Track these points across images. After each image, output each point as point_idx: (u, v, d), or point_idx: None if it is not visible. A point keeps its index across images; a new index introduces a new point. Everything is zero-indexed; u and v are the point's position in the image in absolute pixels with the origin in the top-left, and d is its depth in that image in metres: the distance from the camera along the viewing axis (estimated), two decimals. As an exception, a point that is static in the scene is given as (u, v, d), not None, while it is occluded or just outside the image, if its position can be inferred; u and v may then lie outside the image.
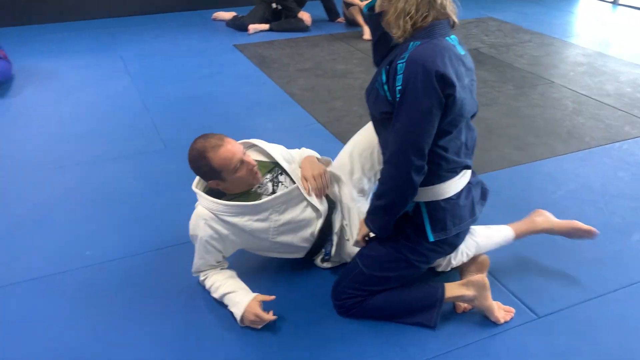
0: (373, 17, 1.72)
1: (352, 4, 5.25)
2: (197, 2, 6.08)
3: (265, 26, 5.28)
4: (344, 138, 3.13)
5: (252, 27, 5.20)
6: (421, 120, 1.54)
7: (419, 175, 1.61)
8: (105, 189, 2.68)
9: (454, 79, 1.54)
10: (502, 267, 2.12)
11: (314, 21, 5.47)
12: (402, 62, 1.55)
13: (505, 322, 1.87)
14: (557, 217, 2.43)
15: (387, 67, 1.61)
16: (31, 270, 2.12)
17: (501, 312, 1.89)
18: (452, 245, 1.83)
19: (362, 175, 2.08)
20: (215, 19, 5.68)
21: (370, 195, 2.18)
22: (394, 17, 1.59)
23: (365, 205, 2.11)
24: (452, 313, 1.91)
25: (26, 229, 2.37)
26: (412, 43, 1.58)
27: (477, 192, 1.84)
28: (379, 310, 1.85)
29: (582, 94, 3.82)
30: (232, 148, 1.86)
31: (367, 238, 1.87)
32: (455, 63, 1.58)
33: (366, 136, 2.09)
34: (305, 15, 5.31)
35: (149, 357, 1.74)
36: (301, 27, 5.28)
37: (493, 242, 2.07)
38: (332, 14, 5.69)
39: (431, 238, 1.74)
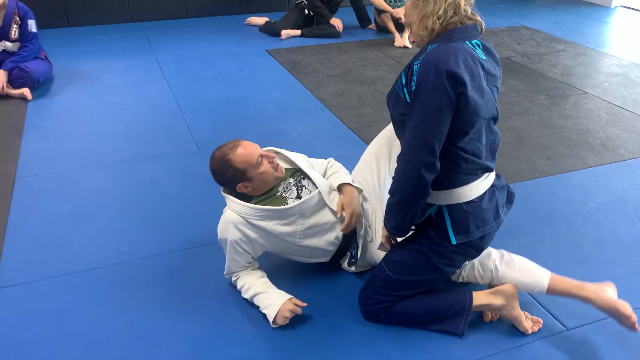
0: None
1: (383, 11, 5.27)
2: (231, 7, 6.17)
3: (297, 32, 5.34)
4: (373, 144, 3.16)
5: (285, 33, 5.26)
6: (431, 118, 1.56)
7: (429, 172, 1.61)
8: (141, 187, 2.75)
9: (466, 78, 1.55)
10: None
11: (345, 27, 5.51)
12: (417, 63, 1.59)
13: (533, 333, 1.87)
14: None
15: (407, 69, 1.65)
16: (70, 264, 2.19)
17: (529, 322, 1.89)
18: (477, 248, 1.82)
19: (387, 173, 2.11)
20: (248, 24, 5.76)
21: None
22: (422, 18, 1.64)
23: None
24: (479, 321, 1.91)
25: (66, 224, 2.46)
26: (430, 46, 1.63)
27: (502, 195, 1.83)
28: (406, 317, 1.87)
29: (616, 105, 3.77)
30: (249, 146, 1.94)
31: (392, 242, 1.89)
32: (471, 64, 1.59)
33: (383, 135, 2.15)
34: (337, 22, 5.35)
35: (180, 352, 1.79)
36: (333, 34, 5.32)
37: (518, 279, 1.90)
38: (363, 20, 5.72)
39: (454, 241, 1.73)
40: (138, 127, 3.42)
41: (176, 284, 2.10)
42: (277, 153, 2.13)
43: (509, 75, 4.33)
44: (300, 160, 2.10)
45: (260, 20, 5.69)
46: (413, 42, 1.75)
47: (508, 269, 1.91)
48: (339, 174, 2.14)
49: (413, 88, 1.59)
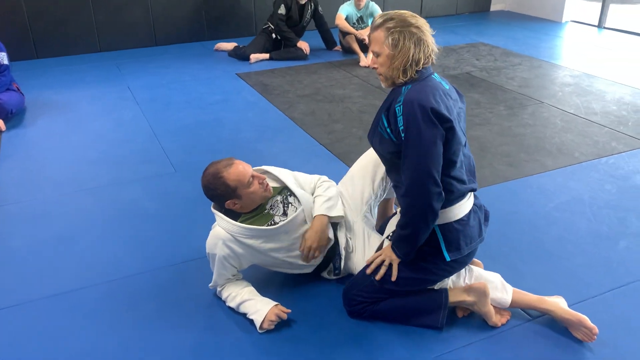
0: None
1: (348, 33, 5.48)
2: (198, 34, 6.31)
3: (266, 55, 5.50)
4: (345, 158, 3.32)
5: (254, 57, 5.42)
6: (429, 151, 1.71)
7: (438, 202, 1.76)
8: (122, 209, 2.83)
9: (447, 114, 1.73)
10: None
11: (312, 50, 5.70)
12: (399, 105, 1.75)
13: (503, 325, 2.01)
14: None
15: (386, 112, 1.81)
16: (58, 286, 2.25)
17: (498, 316, 2.03)
18: (463, 263, 1.97)
19: (371, 192, 2.23)
20: (217, 50, 5.90)
21: (375, 209, 2.35)
22: (403, 65, 1.76)
23: (370, 219, 2.28)
24: (453, 316, 2.04)
25: (51, 248, 2.51)
26: (404, 87, 1.79)
27: (481, 213, 2.01)
28: (389, 313, 2.00)
29: (570, 113, 4.01)
30: (242, 166, 2.03)
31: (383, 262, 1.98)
32: (445, 98, 1.77)
33: (371, 154, 2.26)
34: (304, 45, 5.54)
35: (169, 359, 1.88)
36: (300, 56, 5.50)
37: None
38: (329, 43, 5.92)
39: (448, 258, 1.88)
40: (115, 152, 3.50)
41: (164, 298, 2.18)
42: (266, 172, 2.23)
43: (469, 89, 4.56)
44: (288, 178, 2.20)
45: (228, 45, 5.84)
46: (387, 86, 1.87)
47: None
48: (319, 199, 2.16)
49: (401, 128, 1.73)
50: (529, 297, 2.02)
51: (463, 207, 1.90)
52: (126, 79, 4.99)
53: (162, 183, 3.10)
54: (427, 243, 1.90)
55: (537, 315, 2.04)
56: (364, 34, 5.35)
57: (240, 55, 5.54)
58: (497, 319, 2.01)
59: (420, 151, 1.72)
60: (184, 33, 6.24)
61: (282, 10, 5.38)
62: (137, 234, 2.61)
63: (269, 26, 5.57)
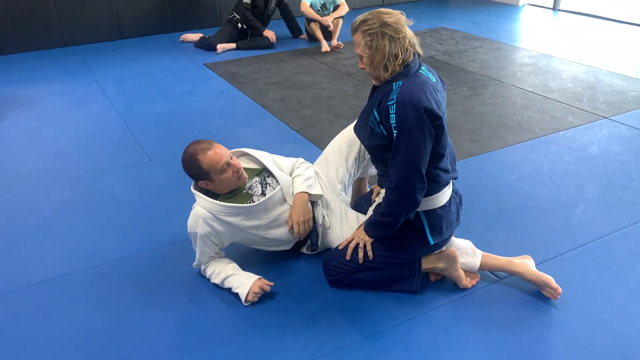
0: None
1: (313, 20, 5.55)
2: (163, 26, 6.29)
3: (233, 45, 5.54)
4: (317, 142, 3.42)
5: (221, 47, 5.45)
6: (418, 150, 1.84)
7: (421, 195, 1.91)
8: (100, 199, 2.86)
9: (439, 111, 1.84)
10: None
11: (278, 38, 5.76)
12: (391, 103, 1.84)
13: (472, 287, 2.15)
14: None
15: (377, 107, 1.91)
16: (42, 273, 2.30)
17: (468, 279, 2.17)
18: (440, 246, 2.10)
19: (345, 171, 2.34)
20: (183, 41, 5.90)
21: (349, 187, 2.46)
22: (383, 62, 1.86)
23: (345, 196, 2.39)
24: (426, 281, 2.17)
25: (31, 239, 2.54)
26: (394, 83, 1.88)
27: (458, 199, 2.14)
28: (368, 281, 2.12)
29: (529, 91, 4.20)
30: (220, 151, 2.09)
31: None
32: (434, 94, 1.88)
33: (344, 135, 2.37)
34: (270, 33, 5.59)
35: (164, 336, 1.95)
36: (267, 45, 5.56)
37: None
38: (294, 31, 5.99)
39: (432, 242, 2.02)
40: (88, 144, 3.51)
41: (148, 280, 2.24)
42: (245, 154, 2.31)
43: (433, 71, 4.69)
44: (267, 159, 2.28)
45: (194, 36, 5.85)
46: (377, 83, 1.97)
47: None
48: (299, 179, 2.25)
49: (393, 125, 1.83)
50: (498, 260, 2.16)
51: (445, 194, 2.03)
52: (93, 72, 4.96)
53: (138, 172, 3.14)
54: (412, 228, 2.03)
55: (505, 277, 2.19)
56: (328, 20, 5.43)
57: (207, 45, 5.56)
58: (467, 282, 2.15)
59: (411, 150, 1.83)
60: (148, 25, 6.21)
61: (247, -1, 5.43)
62: (116, 222, 2.66)
63: (235, 16, 5.60)
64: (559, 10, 7.06)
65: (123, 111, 4.04)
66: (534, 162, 3.11)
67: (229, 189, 2.16)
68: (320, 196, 2.27)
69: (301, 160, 2.38)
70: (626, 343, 1.86)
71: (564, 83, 4.34)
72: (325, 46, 5.41)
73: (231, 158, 2.11)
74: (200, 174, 2.09)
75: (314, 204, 2.29)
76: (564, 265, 2.25)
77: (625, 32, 5.92)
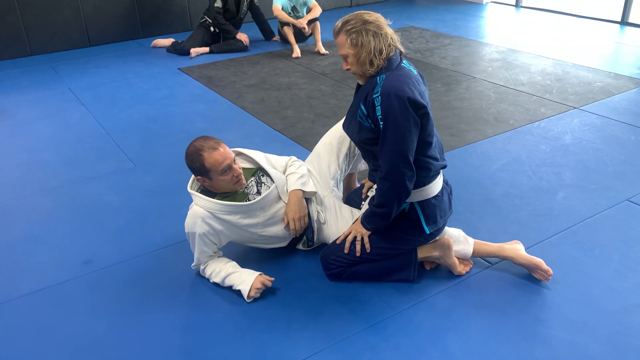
0: None
1: (286, 23, 5.57)
2: (133, 32, 6.22)
3: (206, 49, 5.52)
4: (301, 141, 3.46)
5: (194, 51, 5.43)
6: (405, 139, 1.90)
7: (411, 183, 1.97)
8: (87, 206, 2.83)
9: (422, 100, 1.91)
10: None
11: (251, 41, 5.78)
12: (377, 96, 1.91)
13: (467, 273, 2.23)
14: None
15: (364, 101, 1.97)
16: (37, 282, 2.26)
17: (462, 266, 2.24)
18: (435, 235, 2.17)
19: (337, 167, 2.39)
20: (154, 47, 5.85)
21: (340, 183, 2.51)
22: (369, 58, 1.94)
23: (338, 192, 2.44)
24: (421, 270, 2.24)
25: (22, 249, 2.50)
26: (378, 77, 1.96)
27: (449, 188, 2.22)
28: (366, 273, 2.16)
29: (501, 85, 4.33)
30: (225, 153, 2.11)
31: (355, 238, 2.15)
32: (417, 85, 1.95)
33: (334, 132, 2.41)
34: (243, 36, 5.60)
35: (167, 339, 1.95)
36: (240, 47, 5.57)
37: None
38: (267, 33, 6.01)
39: (427, 231, 2.09)
40: (69, 152, 3.46)
41: (147, 284, 2.24)
42: (241, 154, 2.33)
43: (407, 69, 4.78)
44: (261, 158, 2.31)
45: (166, 41, 5.80)
46: (363, 82, 2.03)
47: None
48: (292, 177, 2.29)
49: (379, 117, 1.90)
50: (490, 247, 2.24)
51: (437, 184, 2.10)
52: (65, 80, 4.88)
53: (123, 178, 3.12)
54: (408, 219, 2.09)
55: (496, 262, 2.27)
56: (303, 22, 5.46)
57: (180, 50, 5.53)
58: (461, 269, 2.22)
59: (397, 139, 1.89)
60: (118, 32, 6.13)
61: (218, 3, 5.42)
62: (106, 228, 2.64)
63: (206, 20, 5.59)
64: (521, 7, 7.29)
65: (101, 118, 3.99)
66: (512, 153, 3.22)
67: (225, 190, 2.18)
68: (314, 193, 2.31)
69: (294, 158, 2.41)
70: (616, 318, 1.96)
71: (534, 76, 4.50)
72: (296, 52, 5.38)
73: (234, 162, 2.13)
74: (201, 170, 2.10)
75: (308, 200, 2.33)
76: (550, 249, 2.35)
77: (585, 26, 6.16)
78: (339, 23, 1.98)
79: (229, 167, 2.10)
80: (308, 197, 2.32)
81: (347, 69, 2.04)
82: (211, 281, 2.18)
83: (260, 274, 2.12)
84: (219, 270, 2.15)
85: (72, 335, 1.98)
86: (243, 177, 2.18)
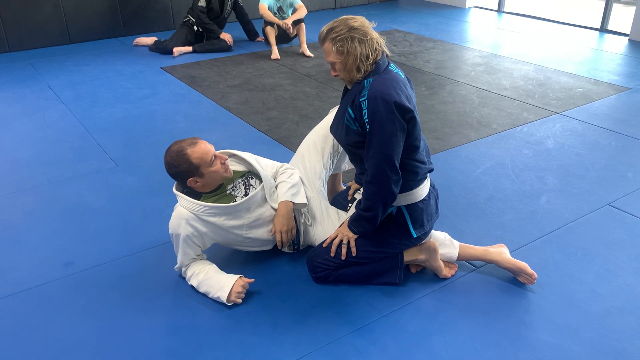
0: None
1: (271, 24, 5.55)
2: (114, 30, 6.14)
3: (189, 48, 5.47)
4: (286, 142, 3.44)
5: (177, 50, 5.37)
6: (391, 143, 1.90)
7: (397, 187, 1.97)
8: (68, 207, 2.78)
9: (409, 104, 1.91)
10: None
11: (235, 41, 5.74)
12: (363, 99, 1.91)
13: (452, 276, 2.23)
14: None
15: (351, 104, 1.97)
16: (18, 284, 2.21)
17: (447, 269, 2.25)
18: (421, 239, 2.17)
19: (322, 167, 2.38)
20: (137, 45, 5.78)
21: (325, 184, 2.50)
22: (355, 64, 1.93)
23: (324, 192, 2.43)
24: (407, 273, 2.24)
25: (1, 248, 2.44)
26: (365, 81, 1.96)
27: (436, 192, 2.22)
28: (352, 276, 2.16)
29: (484, 89, 4.37)
30: (206, 145, 2.10)
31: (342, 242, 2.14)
32: (403, 89, 1.95)
33: (316, 132, 2.41)
34: (226, 36, 5.56)
35: (154, 341, 1.92)
36: (224, 47, 5.53)
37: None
38: (251, 33, 5.98)
39: (414, 235, 2.09)
40: (48, 151, 3.39)
41: (130, 285, 2.20)
42: (232, 155, 2.30)
43: (391, 72, 4.80)
44: (251, 159, 2.28)
45: (149, 40, 5.74)
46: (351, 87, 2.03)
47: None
48: (284, 186, 2.25)
49: (366, 120, 1.90)
50: (475, 250, 2.25)
51: (425, 188, 2.10)
52: (45, 78, 4.79)
53: (105, 178, 3.07)
54: (395, 222, 2.09)
55: (481, 265, 2.28)
56: (288, 22, 5.43)
57: (163, 49, 5.47)
58: (446, 272, 2.23)
59: (384, 143, 1.89)
60: (99, 29, 6.05)
61: (202, 2, 5.37)
62: (88, 228, 2.59)
63: (190, 19, 5.54)
64: (504, 12, 7.37)
65: (82, 117, 3.92)
66: (496, 157, 3.25)
67: (217, 183, 2.15)
68: (305, 205, 2.28)
69: (286, 165, 2.39)
70: (599, 321, 1.99)
71: (516, 81, 4.55)
72: (275, 53, 5.33)
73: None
74: (190, 170, 2.06)
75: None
76: (534, 252, 2.37)
77: (565, 33, 6.25)
78: (324, 30, 1.97)
79: (215, 157, 2.09)
80: (298, 209, 2.30)
81: (335, 75, 2.04)
82: (189, 284, 2.15)
83: (240, 277, 2.09)
84: (198, 272, 2.13)
85: (53, 338, 1.94)
86: (228, 162, 2.16)
